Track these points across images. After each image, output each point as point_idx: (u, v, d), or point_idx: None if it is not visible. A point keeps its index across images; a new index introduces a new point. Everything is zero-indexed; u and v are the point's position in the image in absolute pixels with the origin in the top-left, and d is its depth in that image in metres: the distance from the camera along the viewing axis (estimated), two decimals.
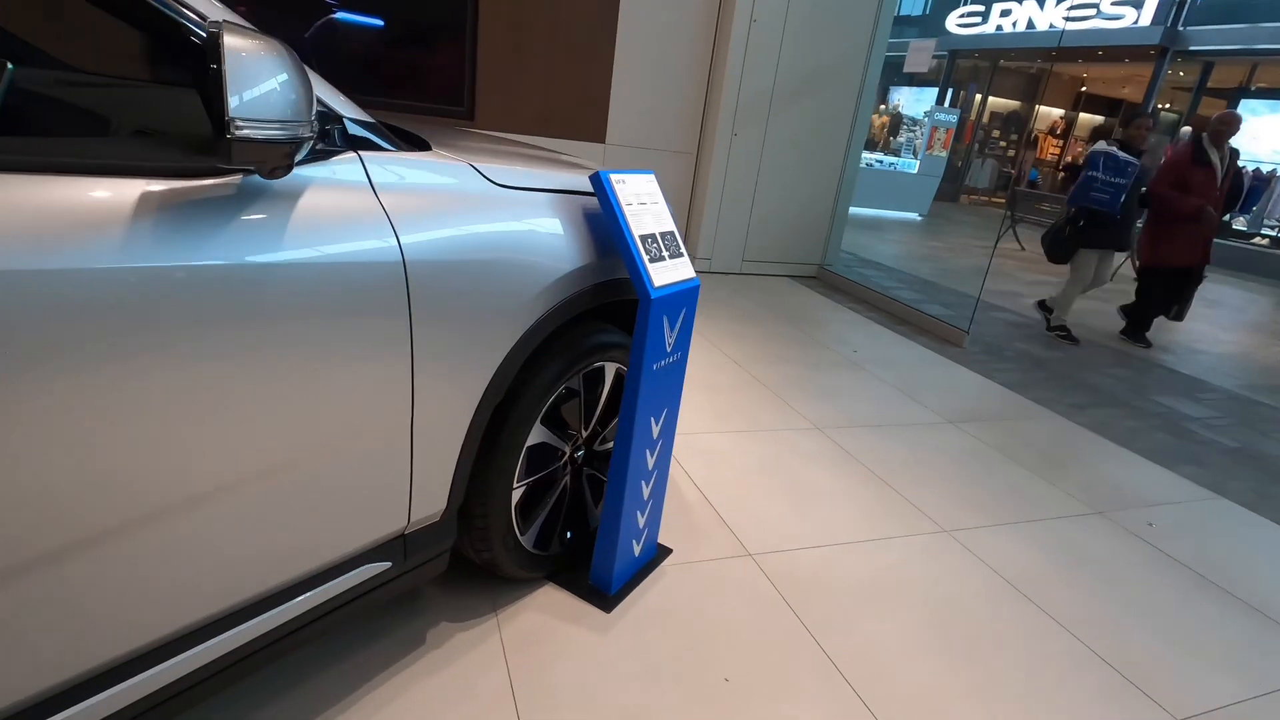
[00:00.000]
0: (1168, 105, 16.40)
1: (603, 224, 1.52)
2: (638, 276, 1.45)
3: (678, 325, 1.59)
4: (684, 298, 1.59)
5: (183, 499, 0.90)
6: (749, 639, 1.65)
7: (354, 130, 1.07)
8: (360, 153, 1.07)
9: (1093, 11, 13.83)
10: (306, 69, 0.99)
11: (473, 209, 1.23)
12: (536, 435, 1.52)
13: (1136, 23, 13.23)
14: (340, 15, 4.09)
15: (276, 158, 0.79)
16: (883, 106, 13.84)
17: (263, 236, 0.91)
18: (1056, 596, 1.99)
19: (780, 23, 4.98)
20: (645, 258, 1.47)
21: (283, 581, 1.08)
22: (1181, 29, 12.94)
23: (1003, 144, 18.86)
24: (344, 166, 1.03)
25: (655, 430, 1.66)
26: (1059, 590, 2.02)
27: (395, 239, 1.07)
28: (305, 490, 1.05)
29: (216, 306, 0.86)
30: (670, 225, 1.61)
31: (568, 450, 1.68)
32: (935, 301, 5.60)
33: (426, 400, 1.20)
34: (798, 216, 5.64)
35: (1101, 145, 4.58)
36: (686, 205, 5.47)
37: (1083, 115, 19.36)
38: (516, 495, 1.52)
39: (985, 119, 18.58)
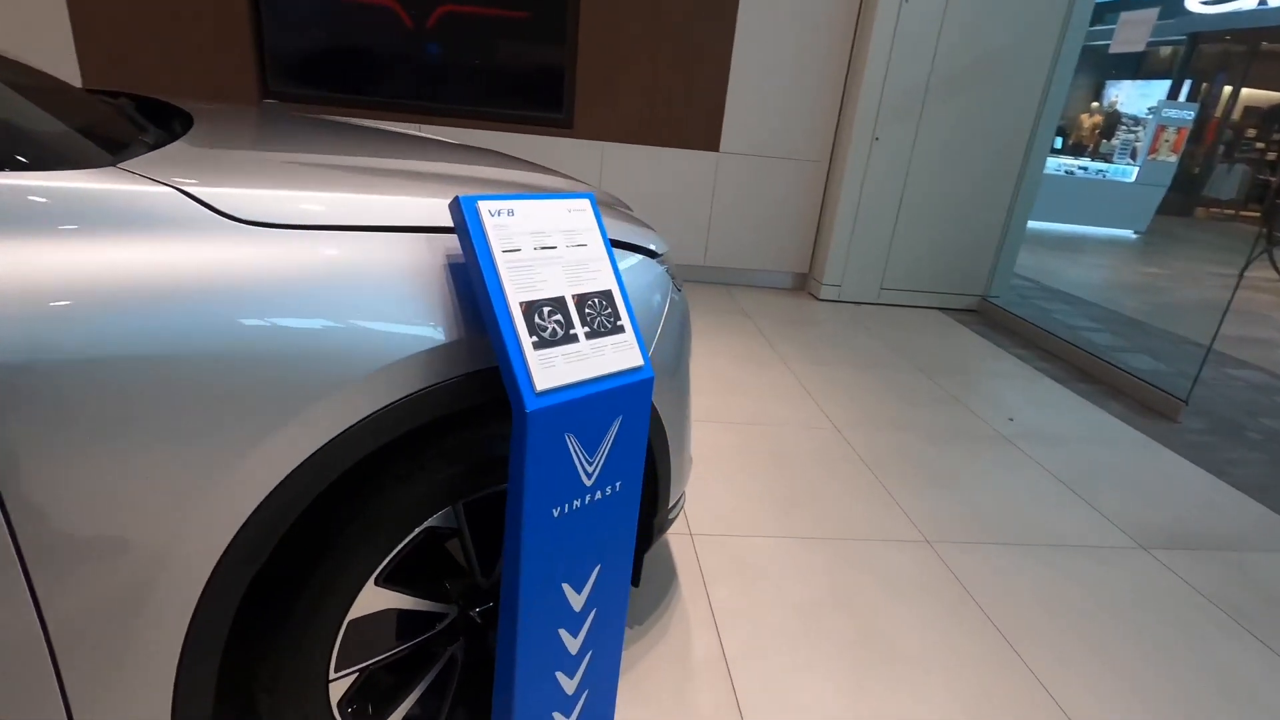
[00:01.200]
0: None
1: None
2: (509, 372, 0.87)
3: (603, 446, 0.98)
4: (613, 401, 0.97)
5: None
6: None
7: None
8: None
9: None
10: None
11: (165, 268, 0.72)
12: (371, 602, 0.99)
13: None
14: None
15: None
16: (1094, 104, 11.69)
17: None
18: None
19: (940, 2, 4.06)
20: (525, 339, 0.88)
21: None
22: None
23: (1259, 145, 15.36)
24: None
25: (578, 601, 1.06)
26: None
27: None
28: None
29: None
30: (608, 282, 1.01)
31: (455, 611, 1.13)
32: (1142, 350, 4.31)
33: (68, 588, 0.71)
34: (955, 235, 4.62)
35: None
36: (815, 222, 4.68)
37: None
38: (339, 689, 1.00)
39: (1236, 115, 15.24)
